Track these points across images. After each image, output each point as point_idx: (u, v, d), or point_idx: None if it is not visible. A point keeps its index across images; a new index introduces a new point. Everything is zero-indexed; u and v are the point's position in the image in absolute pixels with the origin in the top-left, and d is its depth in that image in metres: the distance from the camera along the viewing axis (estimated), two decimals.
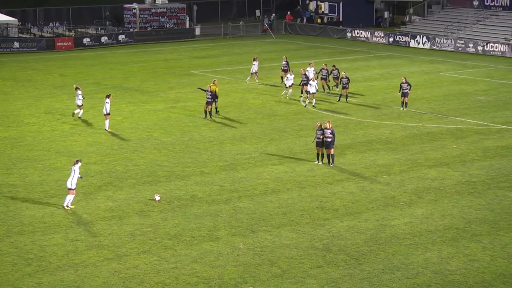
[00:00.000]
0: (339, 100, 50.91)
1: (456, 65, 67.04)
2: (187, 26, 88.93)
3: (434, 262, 25.84)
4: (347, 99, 50.84)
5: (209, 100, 46.54)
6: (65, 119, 46.72)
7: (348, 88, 50.72)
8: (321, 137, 36.85)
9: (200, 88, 49.45)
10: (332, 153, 36.94)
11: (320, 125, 37.22)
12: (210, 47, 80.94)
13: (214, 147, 40.65)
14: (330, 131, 36.69)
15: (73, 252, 26.79)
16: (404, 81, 48.17)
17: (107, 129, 43.68)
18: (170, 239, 27.99)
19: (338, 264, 25.83)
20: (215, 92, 47.57)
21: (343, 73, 51.80)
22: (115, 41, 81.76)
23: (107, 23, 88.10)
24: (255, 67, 58.56)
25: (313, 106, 49.10)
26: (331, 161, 36.96)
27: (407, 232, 28.56)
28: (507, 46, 72.38)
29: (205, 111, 46.91)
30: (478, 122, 45.36)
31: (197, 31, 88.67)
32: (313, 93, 49.22)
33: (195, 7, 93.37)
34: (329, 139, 36.69)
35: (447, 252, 26.67)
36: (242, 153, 39.40)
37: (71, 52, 77.11)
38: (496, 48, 72.84)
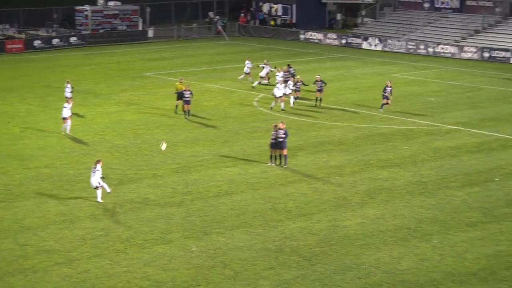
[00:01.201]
0: (316, 105, 50.39)
1: (408, 66, 67.71)
2: (140, 28, 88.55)
3: (385, 262, 26.07)
4: (321, 103, 50.49)
5: (187, 99, 46.59)
6: (15, 122, 46.23)
7: (322, 91, 50.32)
8: (276, 138, 36.96)
9: (177, 93, 49.05)
10: (285, 153, 37.06)
11: (276, 126, 37.37)
12: (163, 49, 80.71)
13: (167, 149, 40.46)
14: (283, 131, 36.83)
15: (22, 257, 26.51)
16: (389, 84, 48.69)
17: (68, 132, 43.26)
18: (122, 242, 27.84)
19: (291, 265, 25.93)
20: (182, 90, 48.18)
21: (317, 76, 51.57)
22: (66, 44, 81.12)
23: (55, 25, 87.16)
24: (247, 67, 58.94)
25: (282, 109, 48.85)
26: (283, 162, 37.07)
27: (359, 232, 28.77)
28: (457, 47, 73.30)
29: (187, 111, 47.01)
30: (428, 122, 45.86)
31: (150, 33, 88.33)
32: (280, 97, 48.98)
33: (148, 9, 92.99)
34: (281, 139, 36.82)
35: (398, 251, 26.93)
36: (195, 155, 39.35)
37: (22, 54, 76.32)
38: (446, 49, 73.72)
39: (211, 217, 30.49)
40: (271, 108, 49.19)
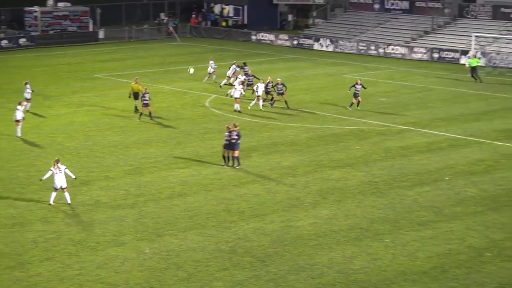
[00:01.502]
0: (271, 105, 50.38)
1: (359, 67, 68.17)
2: (91, 29, 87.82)
3: (338, 262, 26.23)
4: (273, 104, 50.31)
5: (146, 101, 46.47)
6: None
7: (284, 94, 50.13)
8: (229, 139, 36.97)
9: (133, 94, 48.76)
10: (237, 155, 37.08)
11: (228, 127, 37.38)
12: (114, 50, 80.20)
13: (119, 151, 40.29)
14: (236, 133, 36.85)
15: None
16: (359, 82, 49.35)
17: (19, 135, 42.73)
18: (74, 245, 27.61)
19: (244, 266, 25.95)
20: (139, 90, 48.35)
21: (278, 79, 51.52)
22: (15, 45, 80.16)
23: (4, 27, 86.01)
24: (211, 67, 58.72)
25: (239, 111, 48.70)
26: (236, 163, 37.08)
27: (312, 232, 28.90)
28: (407, 48, 74.02)
29: (149, 113, 46.84)
30: (380, 123, 46.24)
31: (101, 34, 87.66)
32: (236, 98, 48.86)
33: (98, 10, 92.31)
34: (234, 141, 36.85)
35: (350, 251, 27.10)
36: (147, 157, 39.18)
37: None
38: (396, 50, 74.41)
39: (164, 218, 30.38)
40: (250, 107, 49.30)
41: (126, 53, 78.60)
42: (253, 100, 50.01)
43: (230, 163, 37.27)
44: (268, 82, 50.52)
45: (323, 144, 41.41)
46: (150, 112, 46.94)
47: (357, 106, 49.82)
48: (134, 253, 26.92)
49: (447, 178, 35.40)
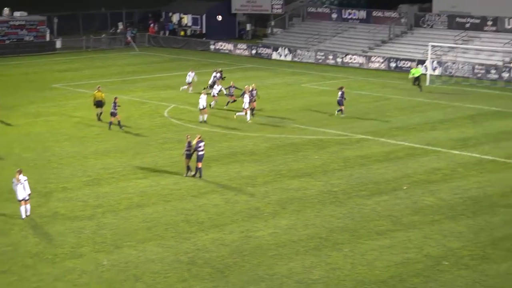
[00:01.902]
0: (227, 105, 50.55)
1: (317, 76, 68.48)
2: (48, 39, 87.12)
3: (297, 272, 26.27)
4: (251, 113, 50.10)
5: (114, 111, 46.56)
6: None
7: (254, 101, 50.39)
8: (190, 149, 36.92)
9: (95, 102, 48.94)
10: (200, 166, 36.98)
11: (189, 136, 37.41)
12: (71, 60, 79.69)
13: (77, 162, 40.00)
14: (203, 143, 36.77)
15: None
16: (342, 90, 50.47)
17: None
18: (31, 257, 27.32)
19: (204, 277, 25.89)
20: (102, 98, 48.68)
21: (253, 85, 51.71)
22: None
23: None
24: (189, 77, 58.69)
25: (204, 121, 48.48)
26: (198, 174, 36.99)
27: (271, 243, 28.93)
28: (364, 57, 74.56)
29: (118, 122, 46.90)
30: (338, 132, 46.49)
31: (58, 44, 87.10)
32: (203, 109, 48.49)
33: (55, 20, 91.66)
34: (201, 153, 36.71)
35: (310, 261, 27.17)
36: (106, 167, 38.95)
37: None
38: (354, 60, 74.91)
39: (122, 230, 30.21)
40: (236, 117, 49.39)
41: (83, 62, 78.13)
42: (240, 111, 49.85)
43: (192, 173, 37.19)
44: (252, 90, 50.73)
45: (282, 154, 41.51)
46: (119, 121, 46.99)
47: (339, 112, 50.57)
48: (92, 265, 26.72)
49: (405, 187, 35.68)
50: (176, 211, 32.43)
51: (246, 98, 49.03)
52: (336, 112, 50.68)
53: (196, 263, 26.99)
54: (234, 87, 52.89)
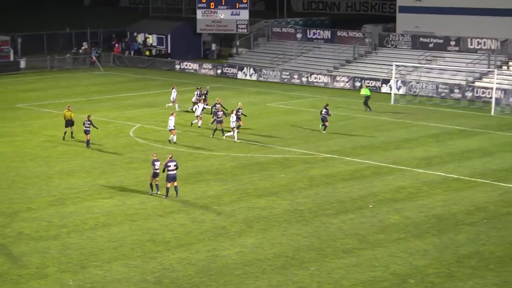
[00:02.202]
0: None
1: (282, 96, 68.70)
2: (12, 59, 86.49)
3: None
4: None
5: (87, 129, 46.97)
6: None
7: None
8: (157, 168, 36.73)
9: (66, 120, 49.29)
10: (169, 186, 36.76)
11: (154, 155, 37.35)
12: (36, 80, 79.17)
13: (41, 182, 39.72)
14: (174, 163, 36.54)
15: None
16: (326, 107, 51.86)
17: None
18: None
19: None
20: (71, 117, 49.08)
21: (239, 104, 52.82)
22: None
23: None
24: (174, 94, 58.83)
25: (174, 142, 48.30)
26: (176, 193, 36.71)
27: (238, 261, 28.90)
28: (329, 77, 74.97)
29: (86, 141, 47.30)
30: (304, 151, 46.64)
31: (22, 64, 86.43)
32: (171, 130, 48.35)
33: (19, 40, 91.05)
34: (170, 172, 36.35)
35: (276, 280, 27.17)
36: (71, 187, 38.70)
37: None
38: (319, 79, 75.27)
39: (88, 250, 30.00)
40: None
41: (48, 82, 77.66)
42: (229, 131, 49.85)
43: (157, 192, 37.06)
44: (239, 108, 51.35)
45: (248, 173, 41.54)
46: (88, 140, 46.99)
47: (322, 127, 51.72)
48: (57, 286, 26.50)
49: (370, 206, 35.85)
50: (142, 230, 32.29)
51: (233, 117, 49.30)
52: (320, 126, 51.78)
53: (162, 283, 26.87)
54: (219, 103, 52.63)
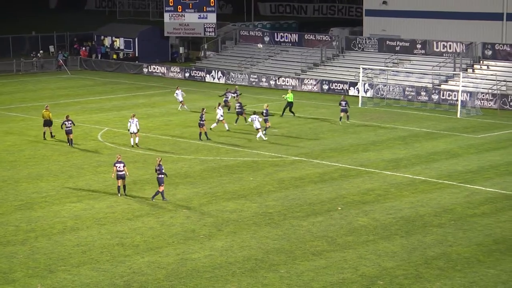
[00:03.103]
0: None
1: (251, 99, 68.68)
2: None
3: None
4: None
5: (69, 128, 47.87)
6: None
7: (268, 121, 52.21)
8: (121, 169, 36.84)
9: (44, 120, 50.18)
10: (162, 190, 36.80)
11: (119, 156, 37.36)
12: (1, 84, 78.47)
13: (8, 186, 39.40)
14: (161, 167, 36.66)
15: None
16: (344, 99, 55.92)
17: None
18: None
19: None
20: (49, 117, 50.11)
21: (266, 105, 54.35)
22: None
23: None
24: (177, 95, 60.09)
25: (136, 144, 48.25)
26: (162, 197, 36.88)
27: (208, 265, 28.87)
28: (297, 80, 75.16)
29: (69, 140, 48.18)
30: (273, 154, 46.71)
31: None
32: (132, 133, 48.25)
33: None
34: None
35: (246, 283, 27.18)
36: (38, 191, 38.43)
37: None
38: (287, 82, 75.43)
39: (56, 254, 29.82)
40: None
41: (14, 86, 77.05)
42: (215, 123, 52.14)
43: (122, 191, 37.18)
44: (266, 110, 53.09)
45: (217, 176, 41.52)
46: (71, 140, 47.75)
47: (347, 119, 56.30)
48: None
49: (339, 208, 36.00)
50: (111, 234, 32.15)
51: (220, 110, 52.12)
52: (346, 120, 56.14)
53: (131, 287, 26.76)
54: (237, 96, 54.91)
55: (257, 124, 50.16)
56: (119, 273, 28.00)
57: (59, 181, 40.35)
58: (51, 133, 50.34)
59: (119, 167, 37.23)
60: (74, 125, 48.51)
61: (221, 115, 53.11)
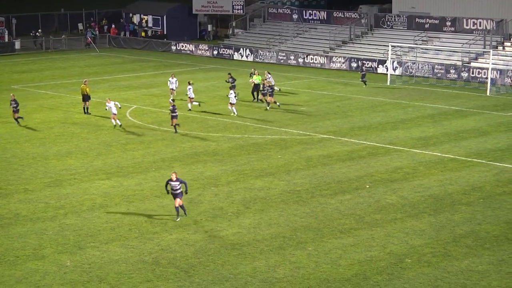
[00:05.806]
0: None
1: (279, 77, 68.51)
2: (6, 40, 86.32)
3: (262, 271, 26.31)
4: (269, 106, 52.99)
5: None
6: None
7: (272, 95, 53.24)
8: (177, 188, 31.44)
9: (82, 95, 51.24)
10: (181, 203, 31.78)
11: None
12: (31, 61, 78.97)
13: (38, 163, 39.69)
14: (178, 182, 31.58)
15: None
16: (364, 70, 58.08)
17: None
18: None
19: (168, 277, 25.82)
20: (87, 92, 50.98)
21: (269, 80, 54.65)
22: None
23: None
24: (170, 84, 56.35)
25: (119, 125, 47.77)
26: (182, 212, 31.93)
27: (236, 242, 28.94)
28: (325, 58, 74.87)
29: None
30: (301, 132, 46.64)
31: (17, 45, 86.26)
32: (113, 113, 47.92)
33: (14, 20, 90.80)
34: (178, 191, 31.24)
35: (274, 260, 27.23)
36: (67, 168, 38.68)
37: None
38: (315, 60, 75.18)
39: (85, 231, 30.03)
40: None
41: (43, 63, 77.49)
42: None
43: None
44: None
45: (245, 154, 41.55)
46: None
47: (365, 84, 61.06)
48: (55, 267, 26.52)
49: (367, 186, 35.90)
50: (139, 211, 32.32)
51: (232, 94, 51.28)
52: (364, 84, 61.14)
53: (160, 263, 26.91)
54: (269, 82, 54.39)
55: (233, 100, 51.01)
56: (147, 250, 28.15)
57: (88, 159, 40.58)
58: (87, 108, 51.18)
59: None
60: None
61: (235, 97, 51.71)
